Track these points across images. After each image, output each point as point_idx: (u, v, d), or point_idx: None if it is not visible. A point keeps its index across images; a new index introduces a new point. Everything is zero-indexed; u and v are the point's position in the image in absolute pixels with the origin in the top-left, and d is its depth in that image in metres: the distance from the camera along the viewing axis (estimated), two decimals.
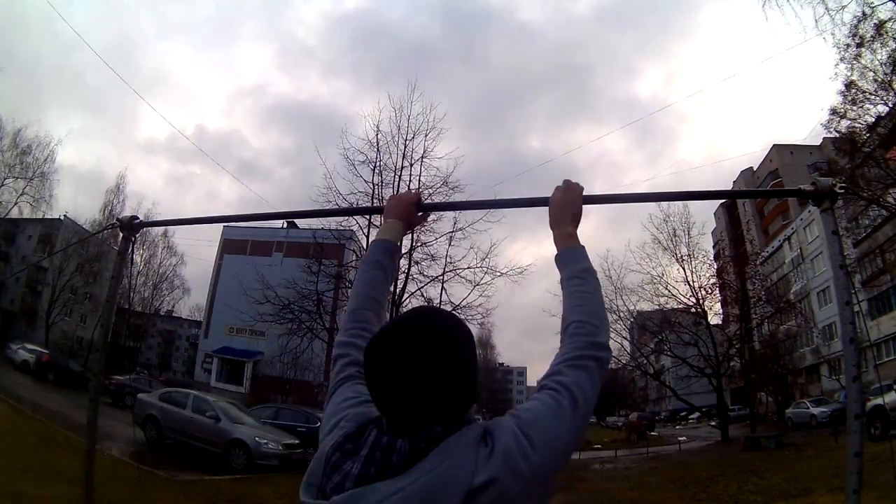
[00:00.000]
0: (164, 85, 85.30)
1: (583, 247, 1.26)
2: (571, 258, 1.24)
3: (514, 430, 0.86)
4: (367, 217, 14.42)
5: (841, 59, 14.34)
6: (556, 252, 1.27)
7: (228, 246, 37.48)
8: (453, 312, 1.11)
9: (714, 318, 24.32)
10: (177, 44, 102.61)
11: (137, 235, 2.60)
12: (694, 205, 32.61)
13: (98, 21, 77.25)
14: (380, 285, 1.30)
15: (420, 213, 1.62)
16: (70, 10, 75.68)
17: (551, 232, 1.34)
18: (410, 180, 15.49)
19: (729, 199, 51.37)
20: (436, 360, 0.86)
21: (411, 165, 15.54)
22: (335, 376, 1.12)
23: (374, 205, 14.34)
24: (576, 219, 1.33)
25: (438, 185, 15.11)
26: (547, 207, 1.39)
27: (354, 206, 14.80)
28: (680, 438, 26.38)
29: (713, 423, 27.21)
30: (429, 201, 13.63)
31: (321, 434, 0.99)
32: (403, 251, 14.64)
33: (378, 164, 15.48)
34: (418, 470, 0.79)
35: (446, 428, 0.84)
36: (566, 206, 1.34)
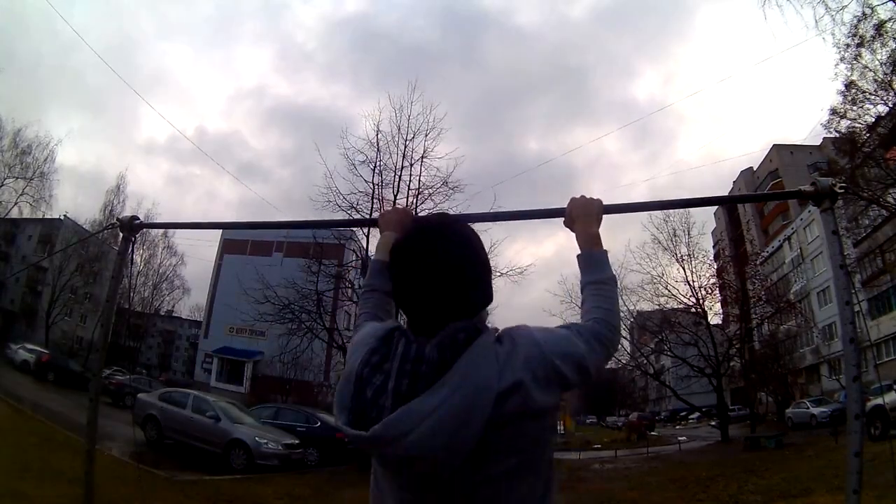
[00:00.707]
0: (164, 86, 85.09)
1: (606, 252, 1.30)
2: (595, 264, 1.28)
3: (535, 340, 0.94)
4: (368, 215, 14.42)
5: (841, 59, 14.37)
6: (579, 250, 1.32)
7: (228, 246, 37.49)
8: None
9: (714, 318, 24.37)
10: (176, 45, 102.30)
11: (137, 236, 2.60)
12: None
13: (97, 21, 77.24)
14: (381, 304, 1.39)
15: None
16: (70, 11, 75.70)
17: (569, 229, 1.41)
18: (410, 180, 15.49)
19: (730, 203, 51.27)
20: (460, 257, 0.95)
21: (411, 165, 15.52)
22: (360, 316, 1.33)
23: (372, 211, 14.35)
24: (599, 220, 1.38)
25: (438, 185, 15.11)
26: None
27: (355, 205, 14.80)
28: (680, 438, 26.37)
29: (713, 423, 27.20)
30: (428, 202, 13.39)
31: (349, 360, 1.03)
32: None
33: (378, 163, 15.47)
34: (448, 384, 0.84)
35: (468, 333, 0.90)
36: (590, 208, 1.39)
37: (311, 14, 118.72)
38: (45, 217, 35.47)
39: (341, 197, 14.96)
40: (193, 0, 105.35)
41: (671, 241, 23.34)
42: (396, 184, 15.45)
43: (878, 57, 13.93)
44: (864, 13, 13.22)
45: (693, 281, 22.90)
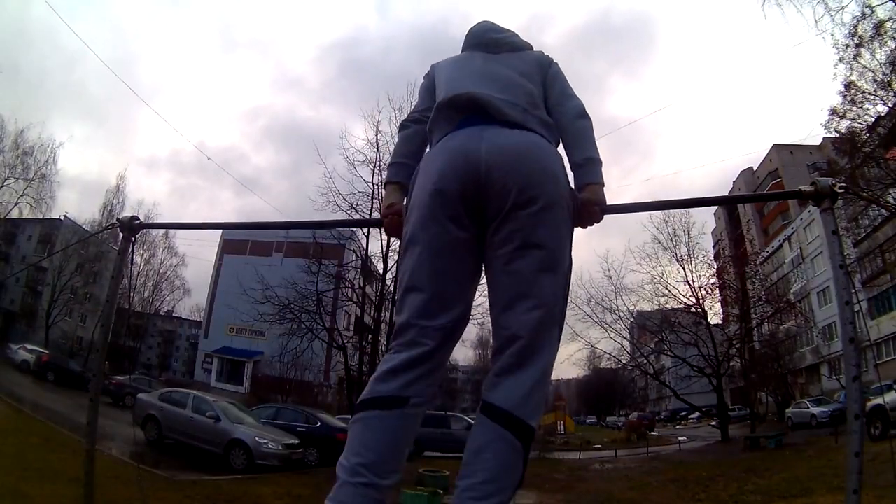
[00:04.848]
0: (164, 101, 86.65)
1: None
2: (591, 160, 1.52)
3: None
4: (368, 215, 14.42)
5: (840, 60, 14.33)
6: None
7: (228, 246, 37.49)
8: None
9: (714, 318, 24.31)
10: (177, 62, 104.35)
11: (137, 236, 2.60)
12: None
13: (98, 37, 78.55)
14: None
15: None
16: (71, 28, 76.69)
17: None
18: None
19: (730, 203, 51.28)
20: None
21: None
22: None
23: (371, 211, 14.35)
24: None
25: None
26: None
27: (354, 206, 14.81)
28: (680, 438, 26.39)
29: (713, 423, 27.20)
30: None
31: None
32: None
33: (378, 164, 15.47)
34: None
35: None
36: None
37: (305, 41, 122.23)
38: (45, 217, 35.46)
39: (341, 197, 14.97)
40: (193, 20, 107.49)
41: (671, 241, 23.32)
42: None
43: (878, 57, 13.92)
44: (863, 13, 13.22)
45: (693, 281, 22.91)
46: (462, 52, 1.76)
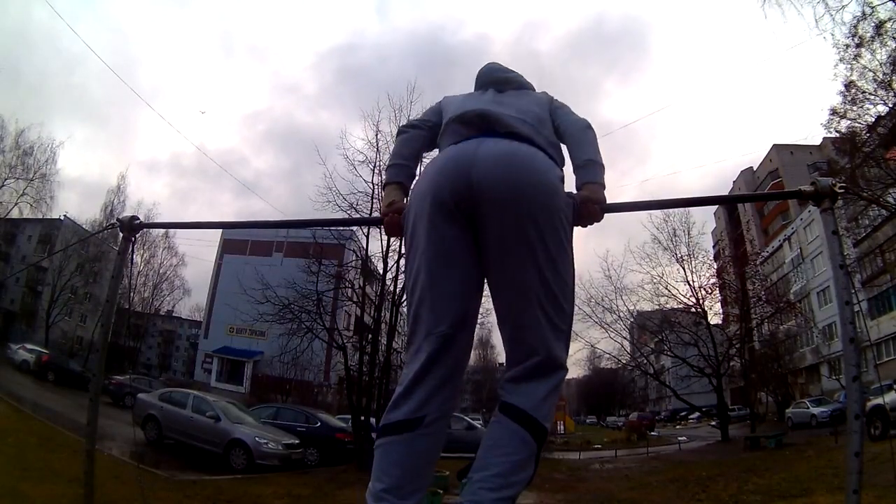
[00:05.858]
0: (164, 104, 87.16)
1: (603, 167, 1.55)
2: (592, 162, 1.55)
3: None
4: (368, 215, 14.40)
5: (840, 60, 14.32)
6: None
7: (228, 246, 37.48)
8: None
9: (714, 318, 24.31)
10: (177, 67, 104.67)
11: (138, 236, 2.60)
12: None
13: (99, 41, 78.96)
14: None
15: None
16: (72, 30, 77.10)
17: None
18: None
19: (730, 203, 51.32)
20: None
21: None
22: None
23: (371, 211, 14.33)
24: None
25: None
26: None
27: (354, 206, 14.77)
28: (680, 438, 26.36)
29: (713, 423, 27.19)
30: None
31: None
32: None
33: (378, 164, 15.44)
34: None
35: None
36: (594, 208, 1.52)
37: (304, 50, 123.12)
38: (45, 217, 35.43)
39: (341, 197, 14.93)
40: (194, 26, 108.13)
41: (671, 241, 23.30)
42: None
43: (878, 57, 13.90)
44: (863, 13, 13.20)
45: (693, 281, 22.90)
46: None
